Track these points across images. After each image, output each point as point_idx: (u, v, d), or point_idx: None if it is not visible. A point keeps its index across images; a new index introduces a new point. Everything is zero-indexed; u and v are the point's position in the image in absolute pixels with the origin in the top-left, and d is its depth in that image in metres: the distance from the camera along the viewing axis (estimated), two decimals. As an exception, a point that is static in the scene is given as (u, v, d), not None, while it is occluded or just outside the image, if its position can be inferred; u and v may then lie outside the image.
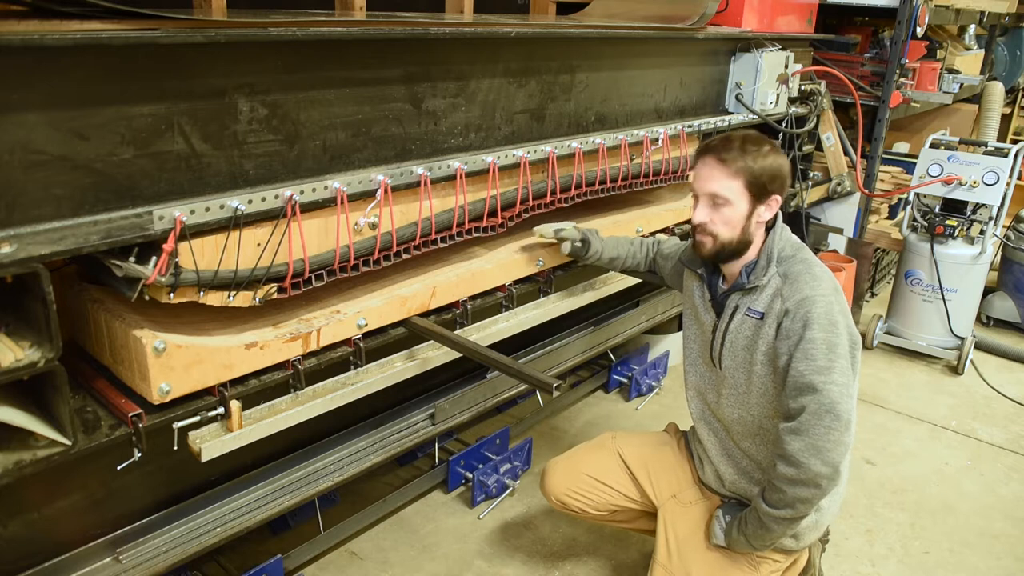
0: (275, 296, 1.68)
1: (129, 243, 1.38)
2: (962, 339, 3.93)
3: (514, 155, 2.10)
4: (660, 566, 1.98)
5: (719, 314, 1.93)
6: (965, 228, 3.87)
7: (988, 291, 4.36)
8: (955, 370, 3.96)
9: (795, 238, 1.90)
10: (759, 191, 1.78)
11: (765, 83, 3.06)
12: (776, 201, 1.82)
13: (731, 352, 1.89)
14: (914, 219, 4.03)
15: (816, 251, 4.06)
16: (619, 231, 2.56)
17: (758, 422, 1.89)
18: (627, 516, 2.19)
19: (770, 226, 1.88)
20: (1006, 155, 3.73)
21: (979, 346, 4.13)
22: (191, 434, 1.59)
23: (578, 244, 2.27)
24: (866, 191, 4.15)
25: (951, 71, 4.72)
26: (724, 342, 1.90)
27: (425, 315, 2.03)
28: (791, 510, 1.74)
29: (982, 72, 5.66)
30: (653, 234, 2.74)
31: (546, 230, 2.29)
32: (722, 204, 1.80)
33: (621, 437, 2.25)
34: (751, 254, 1.86)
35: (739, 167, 1.77)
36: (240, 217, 1.52)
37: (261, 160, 1.59)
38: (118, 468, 1.57)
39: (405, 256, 1.92)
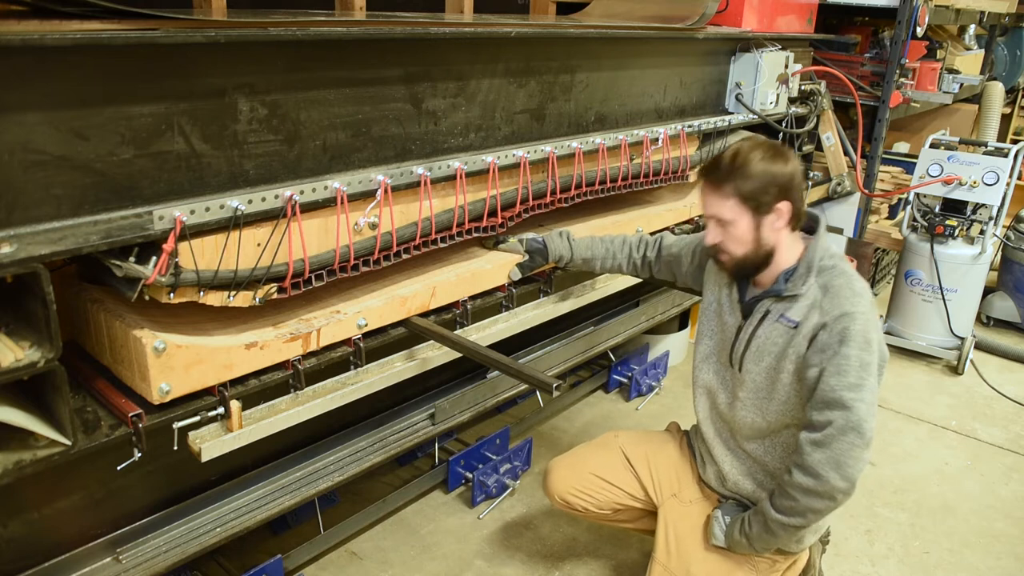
0: (275, 296, 1.68)
1: (129, 243, 1.38)
2: (962, 339, 3.93)
3: (514, 155, 2.10)
4: (659, 564, 1.98)
5: (746, 316, 1.90)
6: (965, 228, 3.87)
7: (988, 291, 4.36)
8: (955, 370, 3.96)
9: (832, 247, 1.86)
10: (756, 204, 1.76)
11: (765, 83, 3.06)
12: (782, 209, 1.77)
13: (756, 356, 1.86)
14: (914, 219, 4.03)
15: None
16: (619, 231, 2.55)
17: (772, 428, 1.88)
18: (630, 516, 2.19)
19: (811, 230, 1.86)
20: (1006, 155, 3.73)
21: (979, 346, 4.13)
22: (191, 434, 1.59)
23: (526, 258, 2.22)
24: (866, 191, 4.15)
25: (951, 71, 4.72)
26: (750, 345, 1.87)
27: (425, 315, 2.03)
28: (801, 519, 1.74)
29: (982, 72, 5.66)
30: (652, 234, 2.73)
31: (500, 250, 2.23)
32: (726, 224, 1.79)
33: (624, 436, 2.25)
34: (787, 260, 1.83)
35: (728, 189, 1.76)
36: (240, 217, 1.52)
37: (261, 160, 1.59)
38: (118, 468, 1.56)
39: (405, 256, 1.92)
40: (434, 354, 2.07)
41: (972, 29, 5.68)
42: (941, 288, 3.89)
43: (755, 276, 1.89)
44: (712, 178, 1.80)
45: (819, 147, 3.89)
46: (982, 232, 3.85)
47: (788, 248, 1.83)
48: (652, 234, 2.37)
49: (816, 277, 1.80)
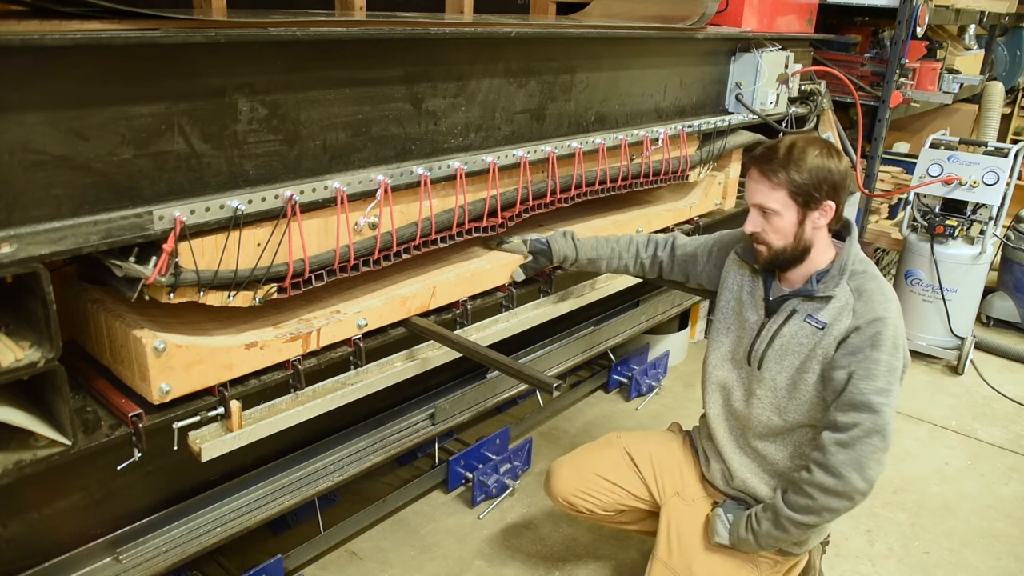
0: (275, 296, 1.68)
1: (129, 243, 1.38)
2: (962, 339, 3.93)
3: (514, 155, 2.10)
4: (660, 562, 1.98)
5: (769, 314, 1.90)
6: (965, 228, 3.87)
7: (988, 291, 4.36)
8: (955, 370, 3.96)
9: (862, 252, 1.87)
10: (806, 199, 1.76)
11: (765, 83, 3.06)
12: (830, 207, 1.77)
13: (779, 355, 1.86)
14: (914, 219, 4.03)
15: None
16: (619, 231, 2.56)
17: (788, 427, 1.88)
18: (634, 517, 2.18)
19: (844, 235, 1.87)
20: (1006, 155, 3.73)
21: (979, 346, 4.13)
22: (191, 434, 1.59)
23: (530, 258, 2.22)
24: (866, 191, 4.15)
25: (951, 71, 4.72)
26: (772, 343, 1.87)
27: (425, 315, 2.03)
28: (816, 517, 1.75)
29: (982, 72, 5.66)
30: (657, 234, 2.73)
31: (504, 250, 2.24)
32: (770, 214, 1.79)
33: (627, 436, 2.25)
34: (821, 262, 1.84)
35: (780, 178, 1.75)
36: (240, 217, 1.52)
37: (261, 160, 1.59)
38: (118, 468, 1.57)
39: (405, 256, 1.92)
40: (434, 354, 2.07)
41: (972, 29, 5.68)
42: (941, 288, 3.89)
43: (785, 273, 1.89)
44: (764, 167, 1.78)
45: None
46: (982, 232, 3.85)
47: (823, 249, 1.83)
48: (655, 234, 2.36)
49: (848, 280, 1.81)
